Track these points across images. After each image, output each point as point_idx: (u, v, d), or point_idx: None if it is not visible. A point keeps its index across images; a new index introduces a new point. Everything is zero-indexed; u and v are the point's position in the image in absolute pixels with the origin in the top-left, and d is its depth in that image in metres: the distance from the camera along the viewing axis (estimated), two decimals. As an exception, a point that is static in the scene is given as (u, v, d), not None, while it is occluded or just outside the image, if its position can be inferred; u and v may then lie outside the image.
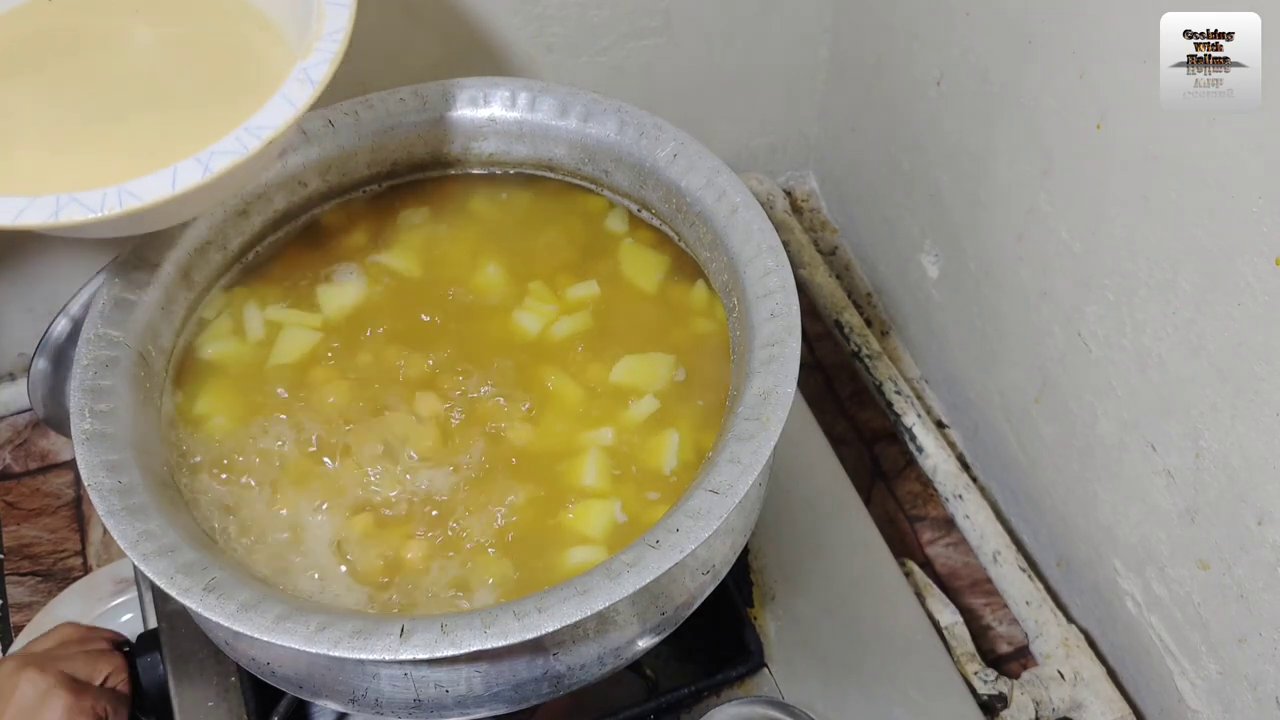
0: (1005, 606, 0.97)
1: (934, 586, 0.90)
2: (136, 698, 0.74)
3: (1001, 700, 0.85)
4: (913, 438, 1.04)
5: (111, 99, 0.67)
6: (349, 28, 0.63)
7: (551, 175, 0.79)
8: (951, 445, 1.06)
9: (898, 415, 1.06)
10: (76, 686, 0.68)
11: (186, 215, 0.69)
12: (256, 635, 0.54)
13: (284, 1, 0.68)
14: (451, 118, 0.77)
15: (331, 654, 0.53)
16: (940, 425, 1.08)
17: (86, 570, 1.01)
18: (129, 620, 0.95)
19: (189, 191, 0.57)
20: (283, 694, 0.73)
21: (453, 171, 0.80)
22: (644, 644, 0.64)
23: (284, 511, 0.64)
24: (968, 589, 0.99)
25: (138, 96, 0.67)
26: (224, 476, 0.65)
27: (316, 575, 0.62)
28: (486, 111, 0.78)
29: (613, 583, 0.54)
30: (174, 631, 0.76)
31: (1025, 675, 0.88)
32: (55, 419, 0.79)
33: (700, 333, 0.72)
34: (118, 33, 0.70)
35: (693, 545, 0.56)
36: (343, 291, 0.74)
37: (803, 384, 0.68)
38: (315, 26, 0.63)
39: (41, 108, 0.66)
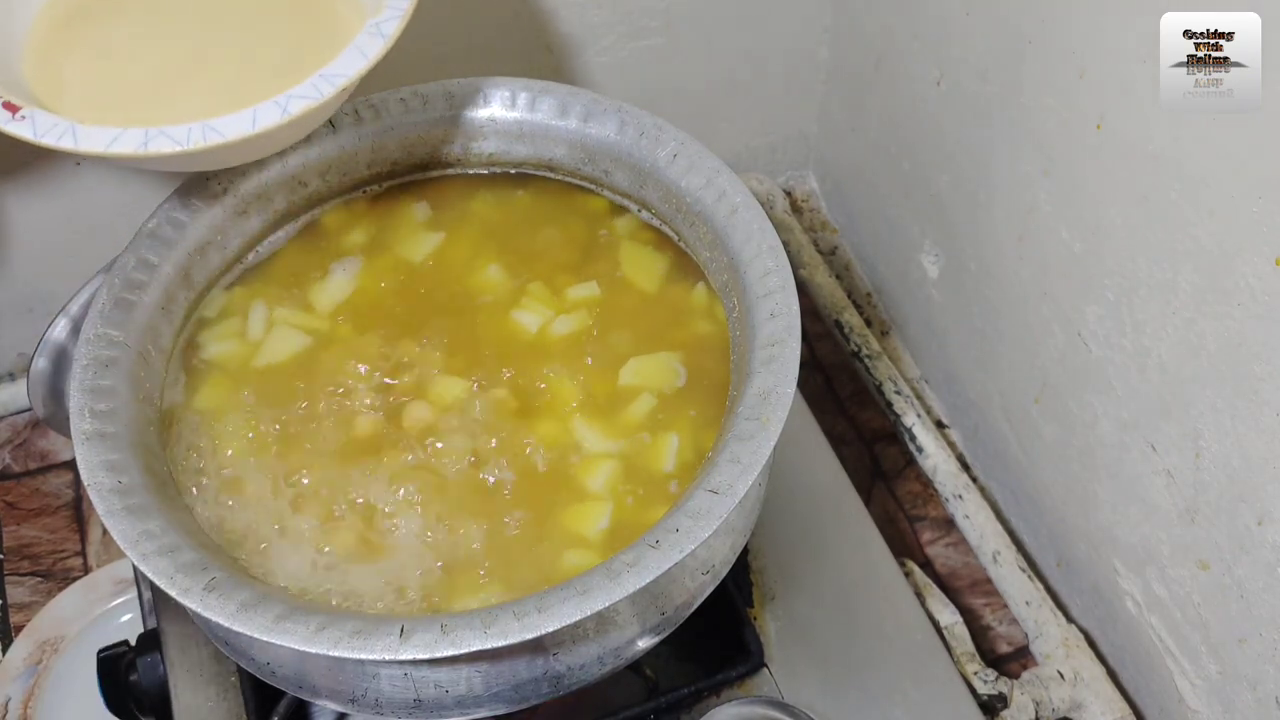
0: (1005, 606, 0.97)
1: (934, 586, 0.90)
2: (135, 697, 0.74)
3: (1001, 700, 0.85)
4: (913, 438, 1.04)
5: (198, 38, 0.70)
6: None
7: (551, 175, 0.80)
8: (951, 445, 1.06)
9: (898, 415, 1.06)
10: None
11: (263, 153, 0.72)
12: (256, 635, 0.54)
13: None
14: (451, 118, 0.77)
15: (331, 654, 0.53)
16: (940, 425, 1.08)
17: (86, 570, 1.01)
18: (129, 620, 0.95)
19: (267, 131, 0.61)
20: (283, 694, 0.73)
21: (452, 171, 0.80)
22: (644, 644, 0.64)
23: (273, 513, 0.64)
24: (968, 589, 0.99)
25: (223, 36, 0.70)
26: (225, 473, 0.65)
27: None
28: (486, 111, 0.78)
29: (613, 583, 0.54)
30: (174, 631, 0.76)
31: (1025, 675, 0.88)
32: (55, 419, 0.79)
33: (700, 333, 0.72)
34: None
35: (693, 545, 0.56)
36: (341, 291, 0.74)
37: (803, 384, 0.68)
38: None
39: (134, 44, 0.69)
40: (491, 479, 0.66)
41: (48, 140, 0.60)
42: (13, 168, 0.95)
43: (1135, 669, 0.87)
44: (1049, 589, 0.95)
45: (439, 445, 0.67)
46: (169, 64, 0.68)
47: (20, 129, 0.60)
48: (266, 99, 0.62)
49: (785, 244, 0.86)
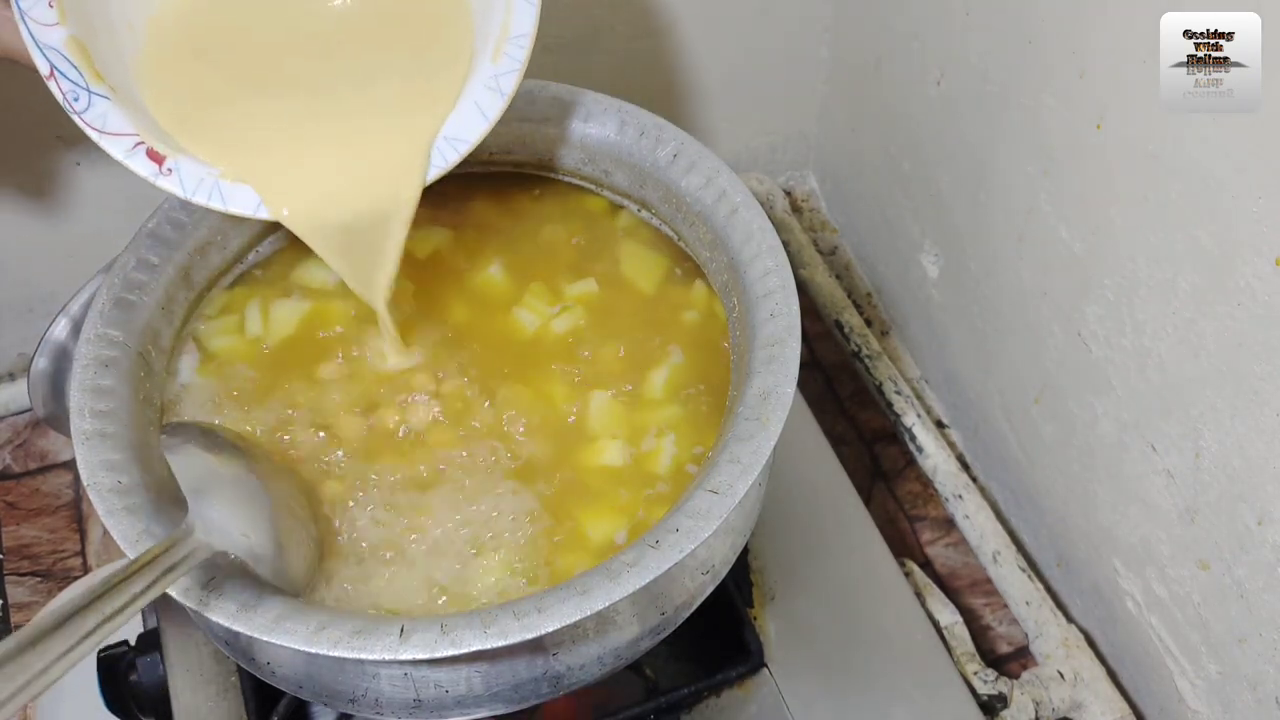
0: (1005, 606, 0.97)
1: (934, 586, 0.90)
2: (135, 697, 0.74)
3: (1001, 700, 0.85)
4: (913, 438, 1.04)
5: (311, 73, 0.67)
6: (533, 32, 0.64)
7: (551, 175, 0.79)
8: (951, 445, 1.06)
9: (898, 415, 1.06)
10: None
11: None
12: (256, 635, 0.54)
13: None
14: (451, 118, 0.77)
15: (331, 654, 0.53)
16: (940, 425, 1.08)
17: (86, 570, 1.01)
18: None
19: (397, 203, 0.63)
20: (283, 694, 0.73)
21: (452, 171, 0.80)
22: (644, 644, 0.64)
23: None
24: (968, 589, 0.99)
25: (335, 71, 0.68)
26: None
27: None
28: (486, 111, 0.78)
29: (612, 583, 0.54)
30: (174, 631, 0.76)
31: (1025, 675, 0.88)
32: (56, 418, 0.79)
33: (699, 334, 0.72)
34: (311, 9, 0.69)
35: (693, 545, 0.56)
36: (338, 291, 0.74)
37: (803, 384, 0.68)
38: (502, 26, 0.64)
39: (248, 77, 0.67)
40: (492, 461, 0.66)
41: (198, 200, 0.60)
42: (12, 167, 0.95)
43: (1135, 669, 0.87)
44: (1049, 589, 0.95)
45: (438, 446, 0.67)
46: (284, 102, 0.66)
47: (169, 185, 0.60)
48: (389, 157, 0.62)
49: (785, 244, 0.86)
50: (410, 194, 0.63)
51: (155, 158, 0.60)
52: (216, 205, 0.60)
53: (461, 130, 0.63)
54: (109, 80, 0.61)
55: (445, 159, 0.63)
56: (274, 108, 0.65)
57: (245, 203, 0.61)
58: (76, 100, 0.60)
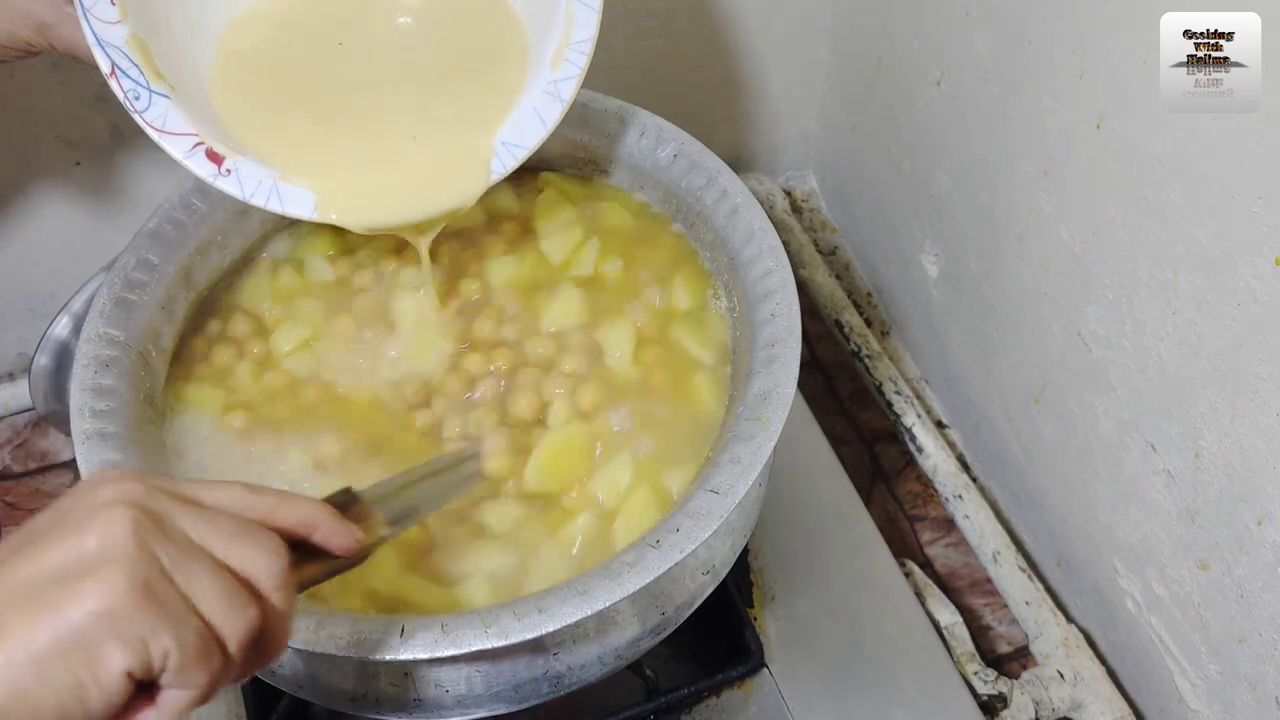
0: (1005, 606, 0.97)
1: (934, 586, 0.90)
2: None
3: (1001, 700, 0.85)
4: (913, 438, 1.04)
5: (371, 73, 0.68)
6: (594, 37, 0.64)
7: (551, 174, 0.79)
8: (951, 445, 1.06)
9: (898, 415, 1.06)
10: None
11: None
12: (256, 635, 0.54)
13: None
14: (452, 118, 0.77)
15: (331, 654, 0.53)
16: (940, 425, 1.08)
17: (86, 570, 1.00)
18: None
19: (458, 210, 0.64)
20: (283, 694, 0.73)
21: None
22: (644, 644, 0.64)
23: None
24: (968, 589, 0.99)
25: (391, 76, 0.68)
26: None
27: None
28: (487, 111, 0.78)
29: (613, 583, 0.54)
30: (174, 631, 0.76)
31: (1025, 675, 0.88)
32: (56, 416, 0.79)
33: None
34: (376, 15, 0.70)
35: (693, 545, 0.56)
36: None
37: (803, 384, 0.68)
38: (563, 34, 0.64)
39: (312, 81, 0.68)
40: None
41: (255, 201, 0.61)
42: (12, 167, 0.95)
43: (1135, 669, 0.87)
44: (1049, 589, 0.95)
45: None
46: (347, 114, 0.67)
47: (228, 185, 0.60)
48: (450, 162, 0.63)
49: (785, 244, 0.86)
50: (465, 201, 0.64)
51: (214, 158, 0.60)
52: (275, 207, 0.61)
53: (520, 136, 0.64)
54: (169, 79, 0.61)
55: (503, 164, 0.64)
56: (337, 119, 0.66)
57: (303, 206, 0.61)
58: (138, 99, 0.60)
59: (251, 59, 0.67)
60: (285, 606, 0.42)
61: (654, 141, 0.74)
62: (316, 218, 0.62)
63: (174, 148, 0.60)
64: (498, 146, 0.64)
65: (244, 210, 0.74)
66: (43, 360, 0.76)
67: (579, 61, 0.64)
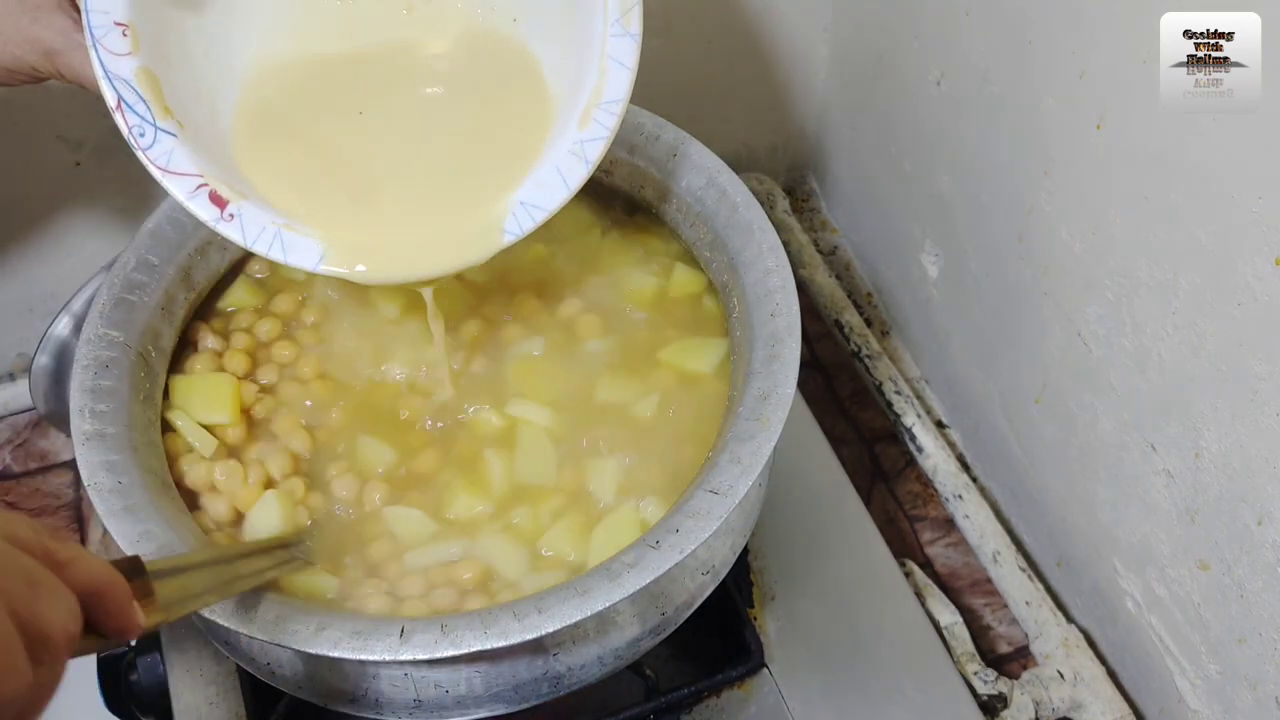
0: (1005, 606, 0.97)
1: (934, 586, 0.90)
2: (135, 697, 0.74)
3: (1001, 700, 0.85)
4: (913, 438, 1.04)
5: (398, 124, 0.67)
6: (627, 98, 0.60)
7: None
8: (951, 445, 1.06)
9: (898, 415, 1.06)
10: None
11: None
12: (256, 636, 0.54)
13: (563, 54, 0.65)
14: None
15: (331, 655, 0.53)
16: (940, 425, 1.08)
17: (86, 570, 1.00)
18: (129, 620, 0.95)
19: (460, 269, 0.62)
20: (282, 694, 0.73)
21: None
22: (644, 644, 0.64)
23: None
24: (968, 589, 0.99)
25: (412, 132, 0.67)
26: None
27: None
28: (487, 112, 0.77)
29: (613, 583, 0.54)
30: (174, 631, 0.76)
31: (1025, 675, 0.88)
32: (56, 416, 0.79)
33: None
34: (402, 68, 0.68)
35: (693, 545, 0.56)
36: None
37: (803, 384, 0.68)
38: (594, 91, 0.61)
39: (334, 131, 0.66)
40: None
41: (257, 249, 0.59)
42: (12, 167, 0.95)
43: (1135, 669, 0.87)
44: (1049, 589, 0.95)
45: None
46: (367, 152, 0.66)
47: (230, 231, 0.59)
48: (464, 217, 0.61)
49: (785, 244, 0.86)
50: (475, 262, 0.62)
51: (218, 201, 0.59)
52: (277, 256, 0.59)
53: (541, 198, 0.61)
54: (177, 115, 0.60)
55: (521, 226, 0.61)
56: (354, 171, 0.65)
57: (307, 256, 0.60)
58: (142, 136, 0.58)
59: (275, 105, 0.65)
60: (58, 678, 0.36)
61: (653, 141, 0.74)
62: (321, 269, 0.60)
63: (177, 188, 0.59)
64: (516, 206, 0.61)
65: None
66: (43, 360, 0.76)
67: (608, 123, 0.60)
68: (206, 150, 0.61)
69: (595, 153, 0.61)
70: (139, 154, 0.59)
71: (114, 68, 0.58)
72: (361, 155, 0.65)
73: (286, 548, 0.60)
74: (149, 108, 0.59)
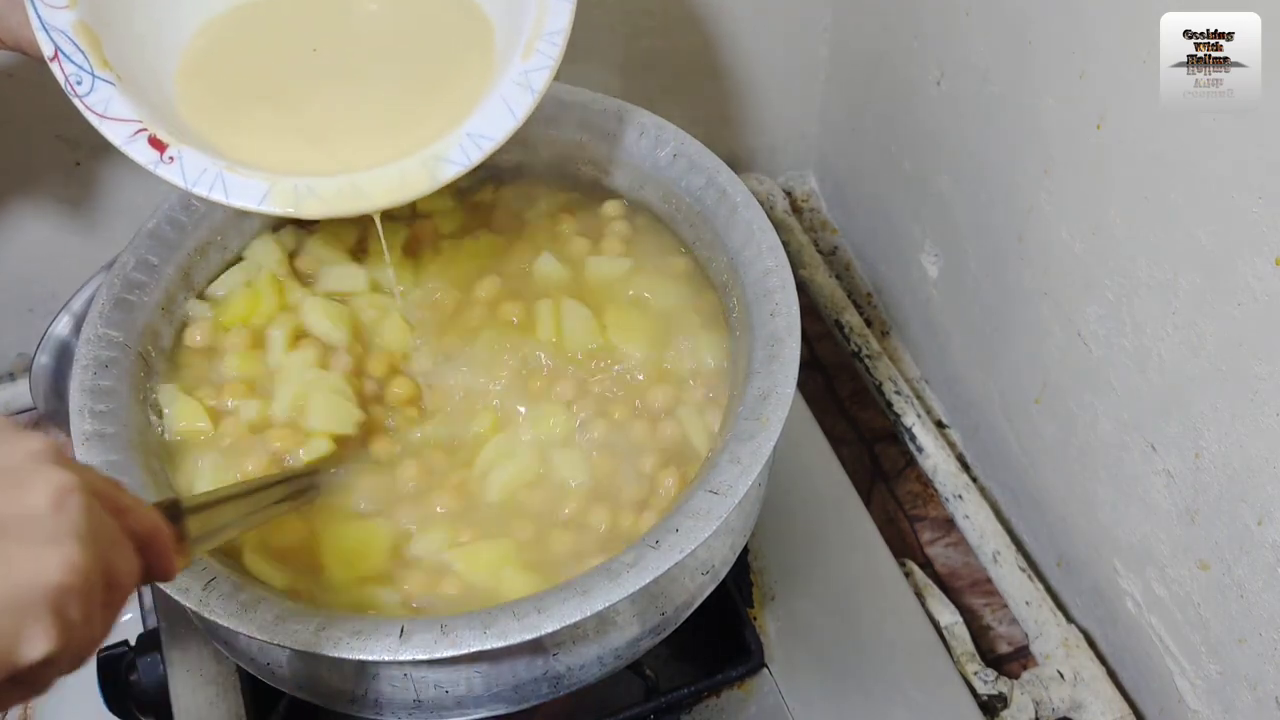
0: (1005, 606, 0.97)
1: (934, 586, 0.90)
2: (135, 697, 0.74)
3: (1001, 700, 0.85)
4: (913, 438, 1.04)
5: (342, 61, 0.67)
6: (568, 28, 0.62)
7: (550, 175, 0.79)
8: (951, 445, 1.06)
9: (898, 415, 1.06)
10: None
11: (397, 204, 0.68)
12: (256, 635, 0.54)
13: None
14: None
15: (331, 655, 0.53)
16: (940, 425, 1.08)
17: (86, 570, 1.00)
18: (129, 620, 0.94)
19: (413, 195, 0.61)
20: (282, 694, 0.73)
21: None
22: (644, 644, 0.64)
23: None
24: (968, 589, 0.99)
25: (367, 56, 0.67)
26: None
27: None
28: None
29: (613, 583, 0.54)
30: (174, 631, 0.76)
31: (1025, 675, 0.88)
32: (57, 415, 0.79)
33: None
34: (342, 6, 0.69)
35: (693, 545, 0.56)
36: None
37: (803, 384, 0.68)
38: (535, 23, 0.62)
39: (279, 63, 0.67)
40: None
41: (198, 190, 0.59)
42: (12, 167, 0.95)
43: (1135, 669, 0.87)
44: (1049, 589, 0.95)
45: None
46: (313, 93, 0.66)
47: (170, 173, 0.59)
48: (412, 150, 0.61)
49: (785, 244, 0.86)
50: (425, 191, 0.62)
51: (157, 145, 0.59)
52: (218, 197, 0.59)
53: (487, 127, 0.61)
54: (117, 68, 0.60)
55: (468, 156, 0.61)
56: (299, 111, 0.65)
57: (250, 195, 0.59)
58: (79, 84, 0.58)
59: (217, 51, 0.66)
60: (111, 628, 0.38)
61: (653, 141, 0.74)
62: (264, 207, 0.60)
63: (114, 134, 0.59)
64: (463, 138, 0.61)
65: (243, 211, 0.74)
66: (43, 360, 0.77)
67: (551, 52, 0.61)
68: (147, 99, 0.61)
69: (540, 82, 0.61)
70: (75, 101, 0.59)
71: (51, 19, 0.59)
72: (304, 95, 0.66)
73: (300, 478, 0.60)
74: (86, 58, 0.59)
